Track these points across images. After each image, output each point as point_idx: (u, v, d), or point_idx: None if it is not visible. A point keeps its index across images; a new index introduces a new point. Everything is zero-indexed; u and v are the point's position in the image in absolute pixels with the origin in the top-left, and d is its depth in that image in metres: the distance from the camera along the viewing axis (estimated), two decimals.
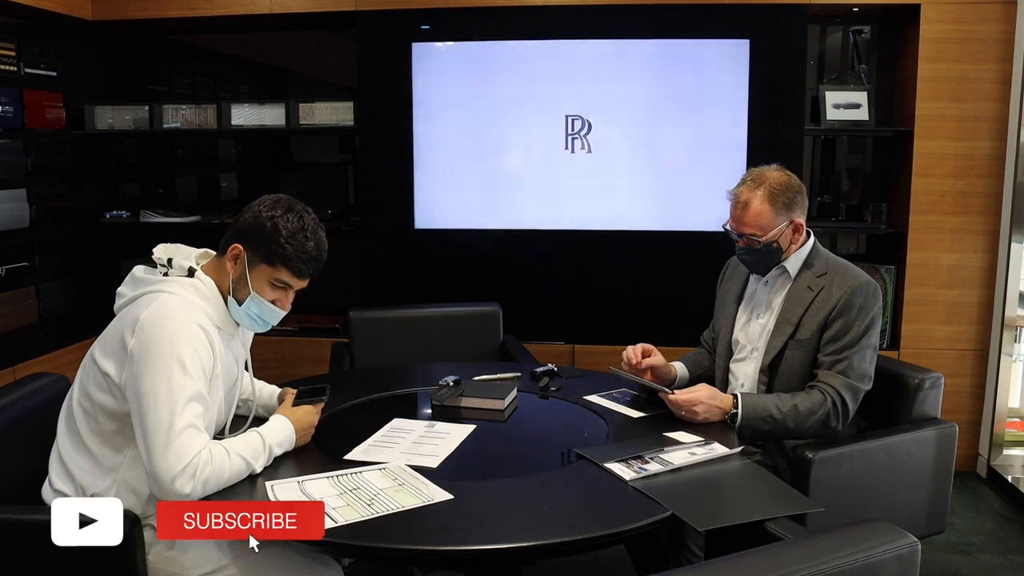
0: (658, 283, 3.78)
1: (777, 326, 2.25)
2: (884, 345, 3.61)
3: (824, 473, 2.08)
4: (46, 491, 1.81)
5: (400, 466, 1.83)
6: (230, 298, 1.86)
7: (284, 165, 4.47)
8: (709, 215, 3.66)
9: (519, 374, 2.55)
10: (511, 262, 3.85)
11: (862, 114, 3.58)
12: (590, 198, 3.74)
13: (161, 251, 1.87)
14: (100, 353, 1.77)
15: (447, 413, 2.24)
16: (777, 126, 3.54)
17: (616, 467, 1.81)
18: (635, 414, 2.20)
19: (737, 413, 2.12)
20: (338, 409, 2.24)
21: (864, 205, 3.76)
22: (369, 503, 1.65)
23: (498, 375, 2.53)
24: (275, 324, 1.94)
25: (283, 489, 1.71)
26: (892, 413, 2.35)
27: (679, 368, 2.49)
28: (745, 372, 2.33)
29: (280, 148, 4.46)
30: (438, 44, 3.72)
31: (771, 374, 2.26)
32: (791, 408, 2.13)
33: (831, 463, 2.10)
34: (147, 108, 3.90)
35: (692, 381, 2.49)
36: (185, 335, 1.71)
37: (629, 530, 1.54)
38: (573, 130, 3.69)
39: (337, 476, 1.78)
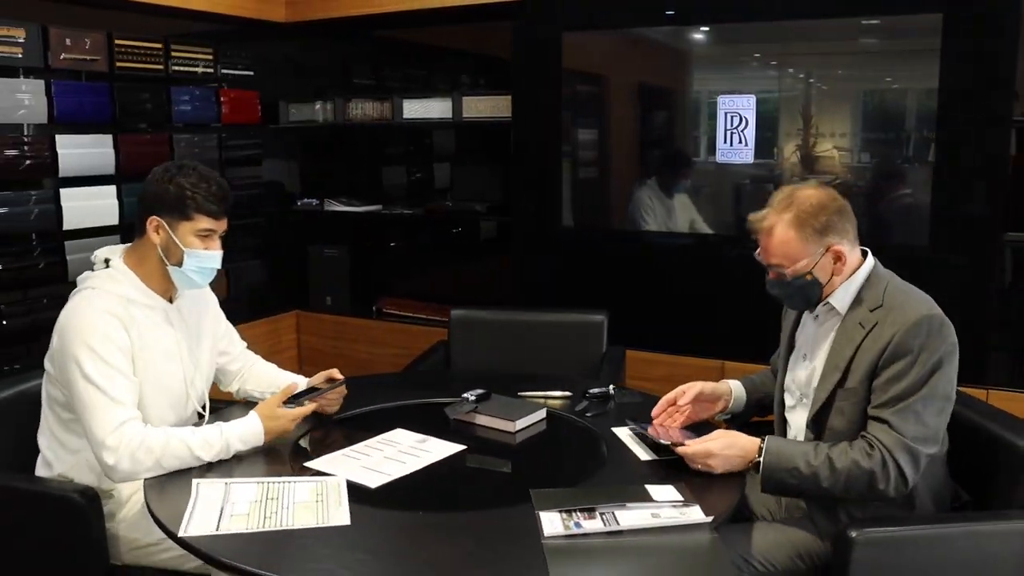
0: None
1: (824, 372, 1.84)
2: None
3: (872, 559, 1.64)
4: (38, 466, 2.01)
5: (337, 482, 1.76)
6: (170, 267, 1.95)
7: (454, 158, 4.56)
8: (898, 225, 3.09)
9: (569, 393, 2.35)
10: (664, 266, 3.55)
11: None
12: (751, 199, 3.33)
13: (96, 254, 2.01)
14: (48, 355, 1.93)
15: (457, 429, 2.12)
16: (976, 118, 2.87)
17: (549, 518, 1.58)
18: (646, 456, 1.92)
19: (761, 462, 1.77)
20: (359, 412, 2.23)
21: None
22: (268, 515, 1.61)
23: (543, 392, 2.35)
24: (218, 267, 2.00)
25: (207, 486, 1.73)
26: (1005, 492, 1.81)
27: (735, 388, 2.14)
28: (798, 423, 1.94)
29: (443, 141, 4.55)
30: (589, 33, 3.52)
31: (817, 429, 1.85)
32: (824, 462, 1.72)
33: (883, 548, 1.66)
34: (331, 104, 4.18)
35: (751, 406, 2.16)
36: (91, 325, 1.84)
37: None
38: (731, 124, 3.30)
39: (268, 483, 1.76)
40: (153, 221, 1.93)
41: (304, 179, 4.51)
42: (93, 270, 1.99)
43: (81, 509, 1.78)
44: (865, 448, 1.71)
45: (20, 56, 3.04)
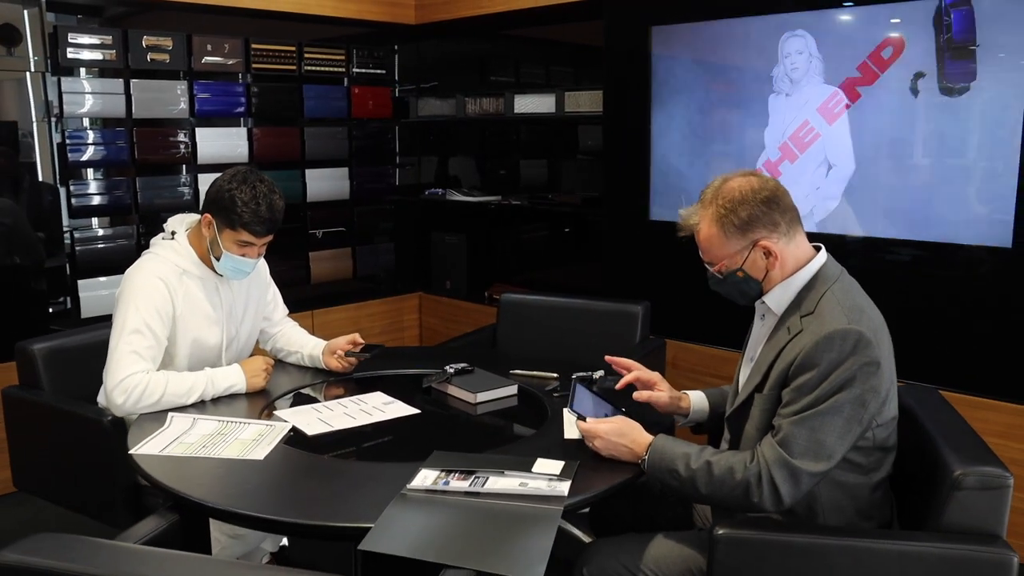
0: (926, 305, 3.03)
1: (751, 375, 1.82)
2: None
3: (735, 561, 1.63)
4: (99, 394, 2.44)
5: (283, 427, 2.02)
6: (212, 256, 2.27)
7: (563, 151, 4.67)
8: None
9: (556, 374, 2.45)
10: None
11: None
12: (846, 200, 3.17)
13: (169, 222, 2.36)
14: None
15: (436, 398, 2.32)
16: None
17: (426, 474, 1.74)
18: (570, 435, 2.00)
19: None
20: (369, 375, 2.48)
21: None
22: (207, 446, 1.91)
23: (533, 372, 2.47)
24: (251, 271, 2.30)
25: (179, 420, 2.07)
26: (924, 514, 1.70)
27: (695, 399, 2.11)
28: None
29: (554, 134, 4.66)
30: (677, 26, 3.51)
31: (734, 431, 1.84)
32: (702, 466, 1.70)
33: (747, 550, 1.64)
34: (454, 100, 4.48)
35: (714, 419, 2.11)
36: (142, 284, 2.20)
37: (298, 525, 1.57)
38: (827, 115, 3.15)
39: (228, 421, 2.06)
40: (206, 218, 2.24)
41: (430, 169, 4.86)
42: (163, 237, 2.35)
43: (108, 433, 2.19)
44: (746, 458, 1.66)
45: (168, 61, 3.62)
